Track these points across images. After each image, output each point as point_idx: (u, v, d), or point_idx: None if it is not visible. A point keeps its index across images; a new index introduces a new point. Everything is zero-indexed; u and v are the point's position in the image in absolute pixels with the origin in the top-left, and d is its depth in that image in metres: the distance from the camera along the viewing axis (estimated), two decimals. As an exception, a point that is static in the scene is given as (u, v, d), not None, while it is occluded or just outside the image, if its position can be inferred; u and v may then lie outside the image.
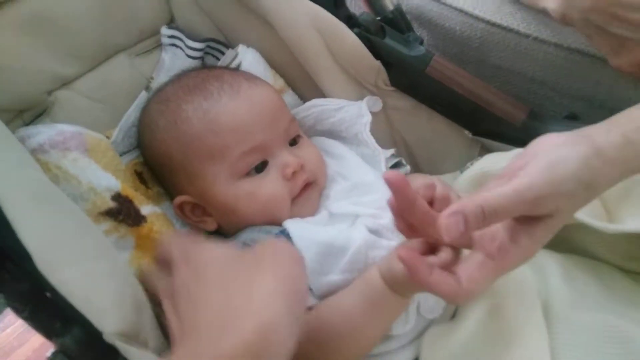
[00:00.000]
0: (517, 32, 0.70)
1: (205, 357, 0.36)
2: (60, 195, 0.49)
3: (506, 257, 0.42)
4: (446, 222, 0.39)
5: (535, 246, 0.42)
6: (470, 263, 0.42)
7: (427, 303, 0.55)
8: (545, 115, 0.68)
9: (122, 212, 0.56)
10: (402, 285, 0.48)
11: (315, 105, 0.72)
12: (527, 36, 0.69)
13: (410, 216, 0.45)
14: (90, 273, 0.43)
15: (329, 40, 0.69)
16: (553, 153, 0.41)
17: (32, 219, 0.42)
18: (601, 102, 0.69)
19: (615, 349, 0.50)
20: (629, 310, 0.54)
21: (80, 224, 0.48)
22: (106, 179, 0.56)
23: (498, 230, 0.43)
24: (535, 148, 0.44)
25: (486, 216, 0.39)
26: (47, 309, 0.44)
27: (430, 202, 0.47)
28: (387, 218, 0.58)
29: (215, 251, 0.44)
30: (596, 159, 0.41)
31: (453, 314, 0.58)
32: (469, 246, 0.44)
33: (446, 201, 0.48)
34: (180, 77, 0.66)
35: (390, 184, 0.42)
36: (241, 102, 0.60)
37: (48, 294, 0.42)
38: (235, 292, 0.40)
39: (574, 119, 0.68)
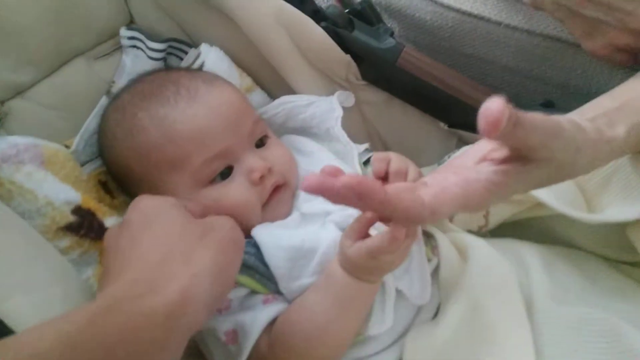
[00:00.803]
0: (488, 20, 0.68)
1: (125, 305, 0.36)
2: (10, 216, 0.47)
3: (472, 185, 0.38)
4: (492, 108, 0.33)
5: (507, 188, 0.39)
6: (433, 186, 0.39)
7: (414, 289, 0.53)
8: (521, 104, 0.67)
9: (84, 226, 0.53)
10: (361, 267, 0.46)
11: (285, 103, 0.69)
12: (498, 24, 0.68)
13: (365, 206, 0.39)
14: (41, 302, 0.40)
15: (295, 35, 0.67)
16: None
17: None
18: (576, 87, 0.68)
19: (601, 343, 0.49)
20: (613, 301, 0.53)
21: (31, 248, 0.45)
22: (65, 192, 0.54)
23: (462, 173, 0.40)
24: None
25: (517, 123, 0.35)
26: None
27: (384, 177, 0.45)
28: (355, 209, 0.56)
29: (171, 208, 0.46)
30: (581, 131, 0.41)
31: (435, 313, 0.56)
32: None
33: (402, 175, 0.46)
34: (136, 82, 0.63)
35: (308, 189, 0.36)
36: (199, 107, 0.57)
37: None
38: (174, 253, 0.41)
39: (550, 106, 0.67)
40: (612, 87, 0.54)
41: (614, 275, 0.58)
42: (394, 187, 0.37)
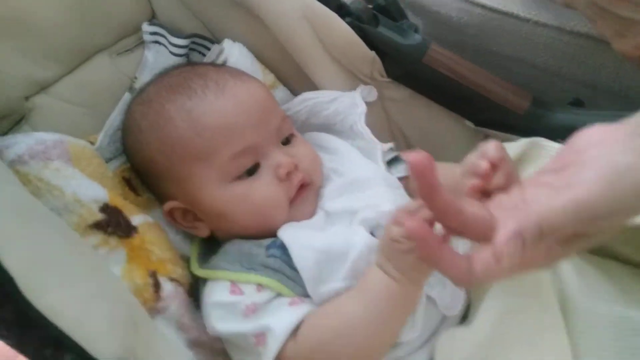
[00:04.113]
0: (517, 17, 0.67)
1: None
2: (44, 211, 0.46)
3: (531, 259, 0.37)
4: (506, 249, 0.35)
5: (565, 255, 0.39)
6: (488, 253, 0.38)
7: (444, 300, 0.53)
8: (550, 102, 0.66)
9: (112, 224, 0.53)
10: (404, 264, 0.45)
11: (307, 99, 0.68)
12: (527, 20, 0.67)
13: (429, 202, 0.39)
14: (80, 295, 0.40)
15: (320, 31, 0.66)
16: (612, 158, 0.36)
17: (14, 239, 0.39)
18: (606, 86, 0.66)
19: (633, 342, 0.48)
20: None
21: (67, 242, 0.44)
22: (93, 189, 0.53)
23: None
24: (584, 144, 0.39)
25: (543, 236, 0.35)
26: (35, 334, 0.41)
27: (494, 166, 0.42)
28: (387, 205, 0.55)
29: None
30: None
31: (464, 315, 0.55)
32: None
33: (510, 177, 0.42)
34: (162, 76, 0.62)
35: (413, 165, 0.35)
36: (227, 100, 0.56)
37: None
38: None
39: (579, 105, 0.66)
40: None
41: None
42: (449, 250, 0.37)
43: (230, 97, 0.56)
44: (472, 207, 0.38)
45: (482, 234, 0.38)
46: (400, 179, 0.64)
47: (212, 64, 0.66)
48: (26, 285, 0.37)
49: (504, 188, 0.43)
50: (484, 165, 0.42)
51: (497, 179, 0.43)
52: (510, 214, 0.39)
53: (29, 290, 0.37)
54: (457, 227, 0.38)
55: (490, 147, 0.44)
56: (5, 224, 0.39)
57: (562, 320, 0.50)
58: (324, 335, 0.49)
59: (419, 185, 0.37)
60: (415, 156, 0.35)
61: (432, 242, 0.36)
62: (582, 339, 0.49)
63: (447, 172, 0.46)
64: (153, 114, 0.57)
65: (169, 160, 0.56)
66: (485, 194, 0.43)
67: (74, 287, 0.40)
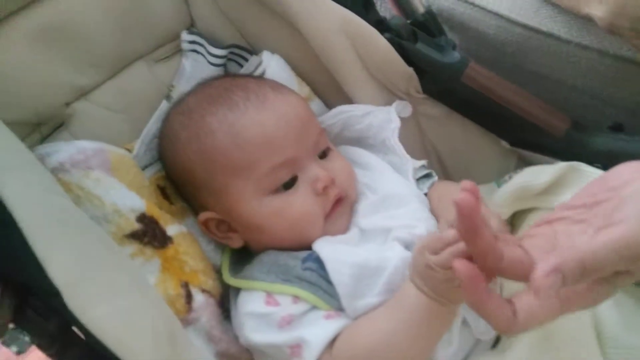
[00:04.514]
0: (558, 38, 0.66)
1: None
2: (87, 222, 0.46)
3: (574, 299, 0.37)
4: (544, 282, 0.34)
5: (610, 294, 0.38)
6: (532, 297, 0.37)
7: (479, 324, 0.52)
8: (589, 127, 0.65)
9: (148, 234, 0.53)
10: (440, 288, 0.43)
11: (342, 112, 0.68)
12: (568, 42, 0.66)
13: (471, 244, 0.39)
14: (123, 309, 0.40)
15: (360, 46, 0.65)
16: None
17: (59, 251, 0.39)
18: (645, 112, 0.65)
19: None
20: None
21: (109, 252, 0.45)
22: (131, 199, 0.54)
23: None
24: (620, 179, 0.39)
25: (585, 273, 0.35)
26: (76, 348, 0.41)
27: None
28: (422, 227, 0.56)
29: None
30: None
31: (497, 339, 0.55)
32: None
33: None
34: (202, 86, 0.62)
35: (460, 207, 0.35)
36: (268, 114, 0.56)
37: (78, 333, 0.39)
38: None
39: (618, 129, 0.65)
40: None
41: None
42: (494, 299, 0.36)
43: (271, 110, 0.56)
44: (513, 252, 0.38)
45: (520, 277, 0.37)
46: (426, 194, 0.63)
47: (252, 76, 0.66)
48: (72, 298, 0.37)
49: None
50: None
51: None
52: (549, 251, 0.39)
53: (75, 304, 0.37)
54: (495, 269, 0.37)
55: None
56: (51, 235, 0.40)
57: (597, 350, 0.50)
58: (358, 350, 0.49)
59: (463, 227, 0.36)
60: (463, 197, 0.34)
61: (481, 287, 0.36)
62: None
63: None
64: (193, 125, 0.58)
65: (207, 171, 0.57)
66: None
67: (118, 300, 0.41)
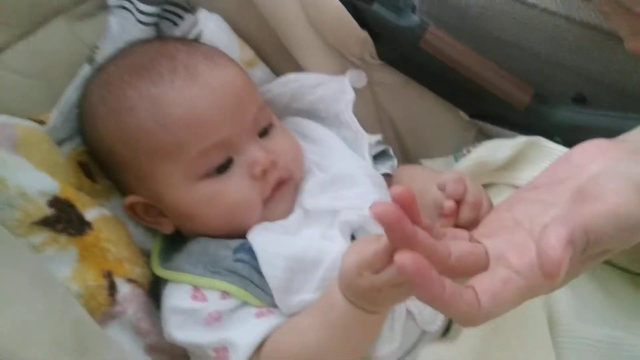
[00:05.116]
0: (523, 2, 0.61)
1: None
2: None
3: (540, 280, 0.32)
4: (563, 255, 0.28)
5: (579, 271, 0.34)
6: (493, 278, 0.33)
7: (424, 315, 0.49)
8: (551, 98, 0.61)
9: (62, 220, 0.47)
10: (363, 297, 0.38)
11: (291, 81, 0.62)
12: (534, 7, 0.61)
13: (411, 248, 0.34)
14: (18, 318, 0.35)
15: (309, 6, 0.59)
16: (628, 170, 0.33)
17: None
18: (611, 83, 0.62)
19: None
20: (633, 322, 0.50)
21: (9, 253, 0.39)
22: (40, 181, 0.47)
23: (526, 244, 0.34)
24: (583, 158, 0.37)
25: (588, 246, 0.30)
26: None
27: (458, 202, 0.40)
28: None
29: None
30: None
31: (446, 328, 0.52)
32: None
33: (477, 209, 0.40)
34: (126, 52, 0.55)
35: (380, 220, 0.30)
36: (198, 89, 0.50)
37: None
38: None
39: (581, 101, 0.62)
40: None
41: (634, 294, 0.54)
42: (450, 289, 0.30)
43: (202, 84, 0.50)
44: (461, 246, 0.34)
45: (473, 270, 0.33)
46: (385, 175, 0.59)
47: (184, 41, 0.59)
48: None
49: (475, 221, 0.40)
50: (448, 205, 0.39)
51: (465, 214, 0.40)
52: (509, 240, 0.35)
53: None
54: (444, 271, 0.32)
55: (448, 181, 0.40)
56: None
57: (549, 340, 0.48)
58: (280, 353, 0.45)
59: (393, 240, 0.31)
60: (381, 210, 0.29)
61: (433, 278, 0.29)
62: (565, 357, 0.47)
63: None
64: (113, 100, 0.51)
65: (129, 153, 0.50)
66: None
67: (12, 307, 0.35)
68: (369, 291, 0.36)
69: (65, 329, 0.37)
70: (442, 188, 0.41)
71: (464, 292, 0.31)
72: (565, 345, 0.47)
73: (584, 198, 0.33)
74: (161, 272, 0.52)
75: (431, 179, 0.48)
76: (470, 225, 0.40)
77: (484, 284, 0.32)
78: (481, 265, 0.34)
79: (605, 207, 0.31)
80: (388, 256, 0.34)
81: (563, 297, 0.50)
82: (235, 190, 0.50)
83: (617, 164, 0.35)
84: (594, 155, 0.37)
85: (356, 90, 0.62)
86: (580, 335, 0.48)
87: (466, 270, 0.34)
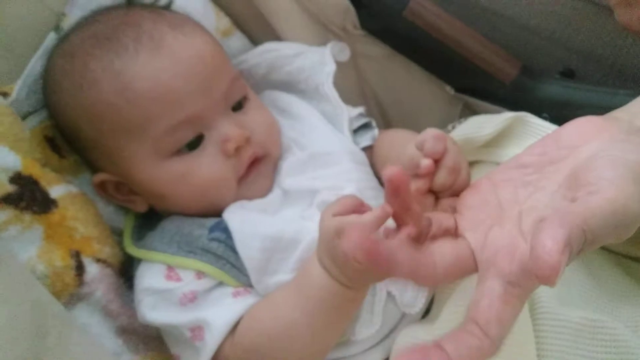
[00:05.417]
0: (513, -30, 0.59)
1: None
2: None
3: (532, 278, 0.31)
4: (560, 260, 0.26)
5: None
6: (490, 299, 0.30)
7: (405, 296, 0.47)
8: (539, 72, 0.59)
9: (25, 197, 0.45)
10: (352, 271, 0.38)
11: (269, 51, 0.60)
12: (524, -25, 0.58)
13: (398, 219, 0.34)
14: None
15: (288, -29, 0.56)
16: (623, 156, 0.31)
17: None
18: (600, 57, 0.60)
19: (602, 349, 0.45)
20: (616, 305, 0.50)
21: None
22: (2, 156, 0.44)
23: (516, 243, 0.32)
24: (579, 136, 0.34)
25: (585, 246, 0.28)
26: None
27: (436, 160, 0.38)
28: (351, 188, 0.50)
29: None
30: None
31: (426, 311, 0.51)
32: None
33: (455, 173, 0.38)
34: (89, 22, 0.52)
35: (391, 185, 0.31)
36: (164, 60, 0.47)
37: None
38: None
39: (569, 76, 0.60)
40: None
41: (618, 274, 0.53)
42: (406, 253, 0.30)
43: (168, 55, 0.47)
44: (445, 254, 0.33)
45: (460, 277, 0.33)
46: (365, 148, 0.57)
47: (152, 8, 0.55)
48: None
49: (452, 187, 0.38)
50: (425, 164, 0.36)
51: (442, 177, 0.37)
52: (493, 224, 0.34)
53: None
54: (428, 279, 0.33)
55: (428, 138, 0.37)
56: None
57: (529, 322, 0.47)
58: (259, 338, 0.44)
59: (394, 204, 0.32)
60: (394, 174, 0.30)
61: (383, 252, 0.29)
62: (546, 342, 0.46)
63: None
64: (76, 73, 0.48)
65: (95, 130, 0.48)
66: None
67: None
68: (343, 255, 0.36)
69: (23, 311, 0.36)
70: (420, 146, 0.38)
71: (470, 333, 0.30)
72: (545, 327, 0.47)
73: (578, 187, 0.31)
74: (134, 251, 0.50)
75: (410, 139, 0.46)
76: (445, 191, 0.39)
77: (484, 312, 0.30)
78: (467, 271, 0.34)
79: (602, 202, 0.29)
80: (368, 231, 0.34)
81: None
82: (207, 168, 0.48)
83: (612, 146, 0.33)
84: (587, 134, 0.35)
85: (338, 63, 0.59)
86: (560, 318, 0.47)
87: (452, 278, 0.33)
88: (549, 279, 0.26)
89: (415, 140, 0.39)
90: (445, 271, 0.32)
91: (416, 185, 0.37)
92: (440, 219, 0.35)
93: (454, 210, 0.37)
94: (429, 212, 0.36)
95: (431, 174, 0.37)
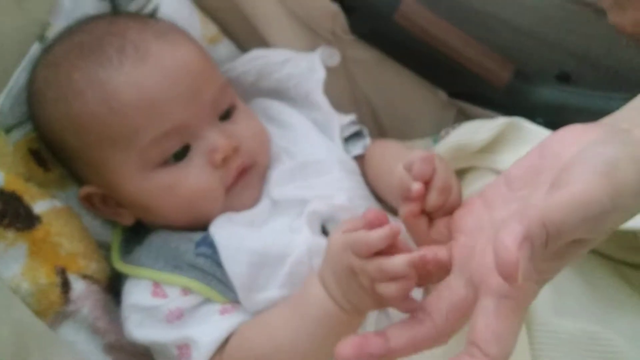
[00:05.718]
0: (505, -28, 0.58)
1: None
2: None
3: (524, 289, 0.30)
4: (514, 259, 0.26)
5: (561, 266, 0.32)
6: (485, 317, 0.30)
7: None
8: (534, 76, 0.58)
9: (8, 214, 0.44)
10: (346, 286, 0.37)
11: (257, 57, 0.59)
12: (516, -23, 0.58)
13: None
14: None
15: (275, -23, 0.55)
16: (601, 151, 0.30)
17: None
18: (595, 60, 0.59)
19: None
20: (613, 316, 0.49)
21: None
22: (-18, 172, 0.44)
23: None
24: (565, 144, 0.34)
25: (548, 240, 0.28)
26: None
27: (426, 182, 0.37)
28: (342, 197, 0.49)
29: None
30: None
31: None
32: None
33: (446, 193, 0.37)
34: (73, 32, 0.51)
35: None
36: (149, 70, 0.46)
37: None
38: None
39: (565, 79, 0.59)
40: (636, 63, 0.46)
41: (615, 285, 0.52)
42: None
43: (153, 65, 0.46)
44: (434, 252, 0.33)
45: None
46: (357, 157, 0.56)
47: (136, 17, 0.55)
48: None
49: (445, 206, 0.38)
50: (415, 188, 0.36)
51: (433, 199, 0.37)
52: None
53: None
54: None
55: (416, 160, 0.37)
56: None
57: (524, 334, 0.46)
58: (247, 357, 0.43)
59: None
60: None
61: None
62: (541, 353, 0.46)
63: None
64: (60, 84, 0.47)
65: (80, 141, 0.47)
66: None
67: None
68: (346, 270, 0.36)
69: (4, 332, 0.35)
70: (408, 168, 0.38)
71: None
72: (540, 340, 0.46)
73: (552, 188, 0.31)
74: (121, 266, 0.49)
75: (401, 156, 0.44)
76: (437, 211, 0.38)
77: (481, 332, 0.29)
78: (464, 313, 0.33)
79: (565, 196, 0.28)
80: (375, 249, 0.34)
81: (541, 293, 0.49)
82: (194, 179, 0.47)
83: (592, 147, 0.32)
84: (572, 141, 0.34)
85: (329, 69, 0.58)
86: (555, 330, 0.46)
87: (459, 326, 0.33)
88: (510, 275, 0.26)
89: (404, 162, 0.38)
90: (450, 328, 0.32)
91: (409, 208, 0.37)
92: (435, 252, 0.34)
93: (448, 233, 0.37)
94: (424, 236, 0.37)
95: (422, 196, 0.37)
